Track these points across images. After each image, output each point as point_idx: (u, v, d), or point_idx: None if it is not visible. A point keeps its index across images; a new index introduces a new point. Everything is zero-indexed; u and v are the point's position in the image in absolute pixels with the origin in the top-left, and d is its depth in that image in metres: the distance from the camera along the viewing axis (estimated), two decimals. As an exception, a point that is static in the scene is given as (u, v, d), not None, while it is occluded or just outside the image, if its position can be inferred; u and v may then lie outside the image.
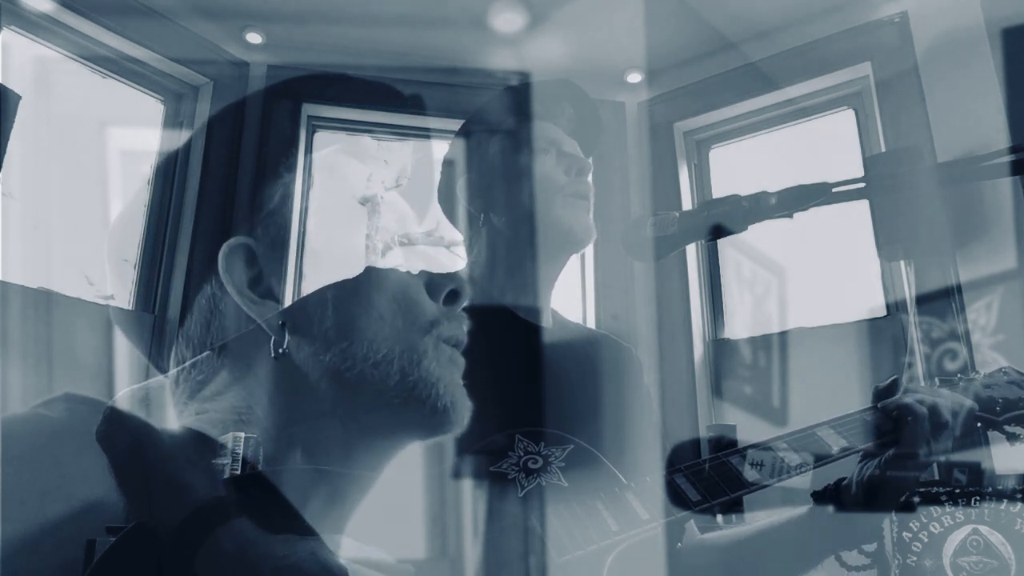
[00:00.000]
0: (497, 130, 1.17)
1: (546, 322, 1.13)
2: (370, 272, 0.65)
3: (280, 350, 0.60)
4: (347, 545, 0.62)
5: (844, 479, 0.94)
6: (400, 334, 0.62)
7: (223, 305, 0.65)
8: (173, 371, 0.68)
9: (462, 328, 0.66)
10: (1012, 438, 0.98)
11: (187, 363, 0.66)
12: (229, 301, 0.64)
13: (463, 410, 0.64)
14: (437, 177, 1.28)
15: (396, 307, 0.63)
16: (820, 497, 0.94)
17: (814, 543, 0.95)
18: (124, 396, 0.70)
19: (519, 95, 1.21)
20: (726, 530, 1.05)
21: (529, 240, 1.11)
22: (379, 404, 0.61)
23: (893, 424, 0.93)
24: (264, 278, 0.64)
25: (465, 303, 0.68)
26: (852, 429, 0.95)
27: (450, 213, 1.25)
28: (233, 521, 0.57)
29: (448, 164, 1.24)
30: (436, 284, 0.66)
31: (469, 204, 1.17)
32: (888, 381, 1.00)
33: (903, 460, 0.90)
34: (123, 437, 0.66)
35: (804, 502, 0.98)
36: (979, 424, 0.97)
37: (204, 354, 0.66)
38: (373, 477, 0.64)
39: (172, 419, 0.69)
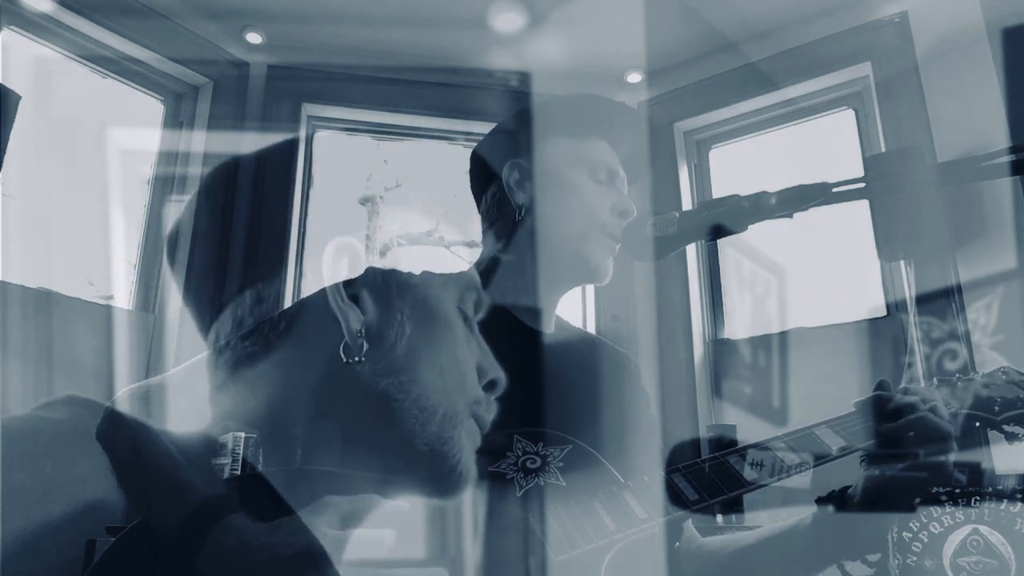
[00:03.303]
0: (564, 133, 1.13)
1: (548, 326, 1.12)
2: (450, 325, 0.69)
3: (356, 359, 0.64)
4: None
5: (849, 487, 0.94)
6: (449, 394, 0.66)
7: (313, 297, 0.68)
8: (213, 340, 0.69)
9: (491, 415, 0.71)
10: (1011, 437, 0.98)
11: (246, 329, 0.67)
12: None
13: (469, 483, 0.67)
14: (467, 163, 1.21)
15: (455, 370, 0.68)
16: (826, 503, 0.94)
17: (818, 552, 0.94)
18: (124, 396, 0.70)
19: (594, 107, 1.17)
20: (727, 536, 1.04)
21: (552, 256, 1.09)
22: (407, 443, 0.64)
23: (892, 422, 0.93)
24: (358, 283, 0.68)
25: (499, 394, 0.72)
26: (850, 428, 0.95)
27: (480, 180, 1.19)
28: (233, 517, 0.58)
29: (505, 134, 1.18)
30: (482, 369, 0.71)
31: (512, 194, 1.12)
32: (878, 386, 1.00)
33: (904, 461, 0.90)
34: (123, 436, 0.67)
35: (802, 502, 0.97)
36: (977, 424, 0.97)
37: (261, 332, 0.67)
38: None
39: (187, 410, 0.69)
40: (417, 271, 0.71)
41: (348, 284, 0.67)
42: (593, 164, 1.11)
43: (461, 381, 0.68)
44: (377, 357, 0.65)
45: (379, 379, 0.64)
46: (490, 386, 0.71)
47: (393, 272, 0.69)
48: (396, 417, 0.64)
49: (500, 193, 1.14)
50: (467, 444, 0.67)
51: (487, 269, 1.11)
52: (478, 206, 1.20)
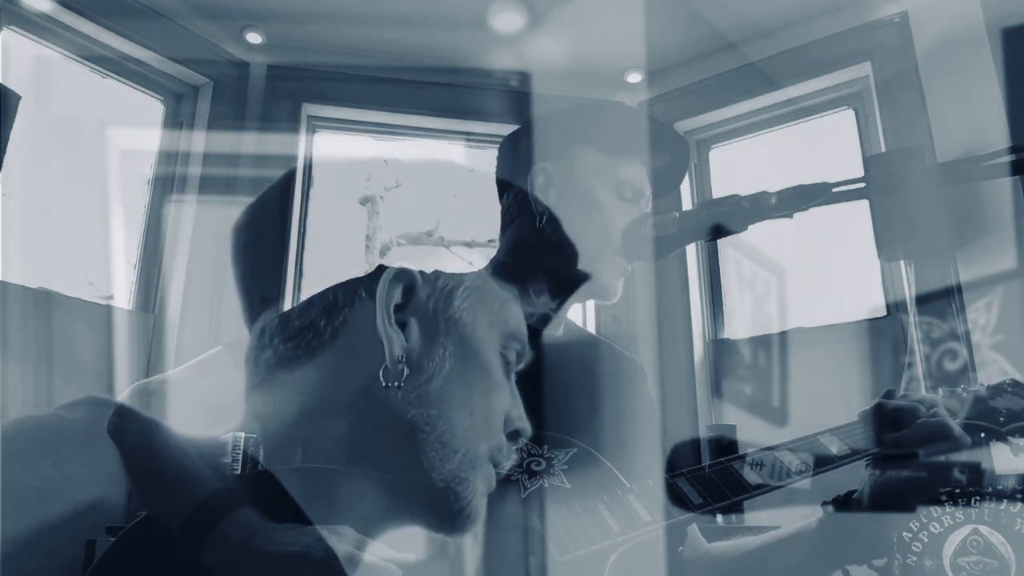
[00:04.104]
0: (598, 146, 1.11)
1: (556, 330, 1.12)
2: (489, 370, 0.70)
3: (394, 384, 0.65)
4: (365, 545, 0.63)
5: (855, 491, 0.94)
6: (474, 436, 0.67)
7: (358, 310, 0.68)
8: (257, 336, 0.69)
9: (509, 463, 0.72)
10: (1016, 449, 0.98)
11: (291, 331, 0.68)
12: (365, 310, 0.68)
13: (475, 525, 0.68)
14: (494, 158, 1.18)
15: (484, 413, 0.69)
16: (831, 507, 0.93)
17: (823, 556, 0.93)
18: (134, 391, 0.71)
19: (632, 123, 1.15)
20: (732, 541, 1.04)
21: (563, 269, 1.07)
22: (424, 475, 0.64)
23: (896, 428, 0.93)
24: (408, 310, 0.68)
25: (522, 445, 0.74)
26: (855, 435, 0.95)
27: (505, 178, 1.17)
28: (238, 511, 0.58)
29: (537, 135, 1.15)
30: (510, 418, 0.72)
31: (535, 200, 1.10)
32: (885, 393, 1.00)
33: (912, 463, 0.90)
34: (134, 430, 0.67)
35: (805, 506, 0.97)
36: (983, 435, 0.97)
37: (305, 337, 0.67)
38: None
39: (197, 406, 0.70)
40: (470, 305, 0.71)
41: (399, 310, 0.68)
42: (621, 182, 1.09)
43: (487, 426, 0.69)
44: (412, 386, 0.66)
45: (409, 407, 0.65)
46: (514, 435, 0.72)
47: (446, 305, 0.70)
48: (419, 447, 0.64)
49: (523, 195, 1.12)
50: (481, 487, 0.67)
51: (500, 269, 1.10)
52: (499, 200, 1.18)
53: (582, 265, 1.07)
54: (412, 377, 0.66)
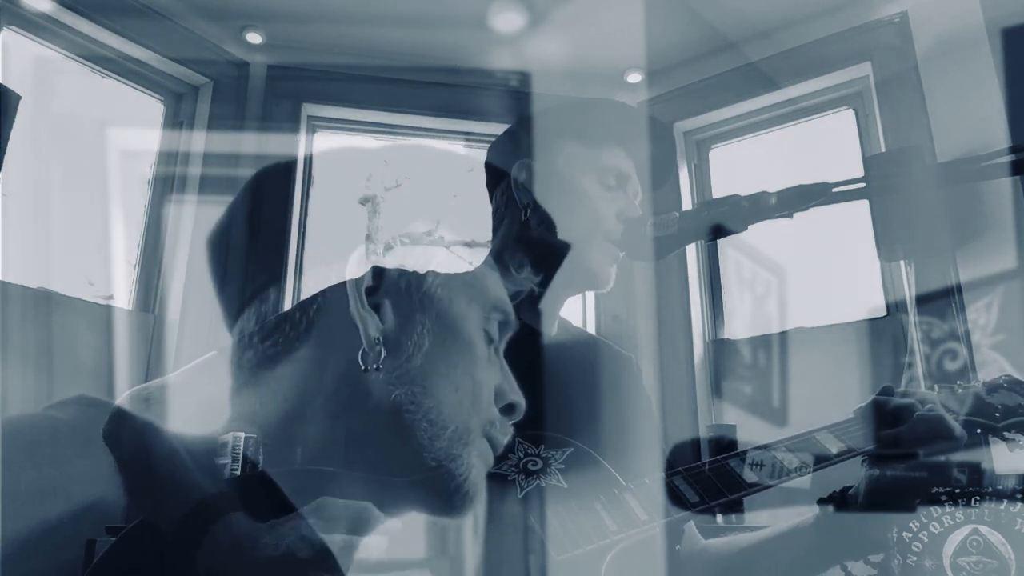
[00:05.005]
0: (577, 137, 1.12)
1: (550, 329, 1.12)
2: (470, 343, 0.69)
3: (375, 366, 0.64)
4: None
5: (851, 487, 0.94)
6: (463, 412, 0.66)
7: (331, 296, 0.68)
8: (237, 339, 0.69)
9: (506, 437, 0.70)
10: (1011, 444, 0.98)
11: (267, 330, 0.68)
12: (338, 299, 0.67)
13: (474, 503, 0.67)
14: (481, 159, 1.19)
15: (470, 388, 0.68)
16: (828, 504, 0.94)
17: (819, 552, 0.94)
18: (128, 396, 0.70)
19: (612, 113, 1.17)
20: (729, 538, 1.04)
21: (553, 261, 1.08)
22: (416, 455, 0.64)
23: (893, 424, 0.93)
24: (381, 292, 0.67)
25: (518, 419, 0.72)
26: (852, 433, 0.95)
27: (493, 177, 1.19)
28: (226, 516, 0.58)
29: (520, 133, 1.17)
30: (502, 392, 0.71)
31: (519, 193, 1.12)
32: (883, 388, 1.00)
33: (909, 459, 0.90)
34: (129, 436, 0.67)
35: (803, 504, 0.98)
36: (979, 430, 0.97)
37: (282, 331, 0.67)
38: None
39: (196, 410, 0.70)
40: (444, 280, 0.70)
41: (371, 292, 0.67)
42: (603, 170, 1.10)
43: (476, 400, 0.68)
44: (392, 366, 0.65)
45: (393, 388, 0.64)
46: (507, 409, 0.71)
47: (419, 282, 0.69)
48: (407, 428, 0.64)
49: (508, 192, 1.14)
50: (476, 464, 0.66)
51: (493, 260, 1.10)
52: (490, 202, 1.19)
53: (570, 255, 1.07)
54: (391, 358, 0.65)
